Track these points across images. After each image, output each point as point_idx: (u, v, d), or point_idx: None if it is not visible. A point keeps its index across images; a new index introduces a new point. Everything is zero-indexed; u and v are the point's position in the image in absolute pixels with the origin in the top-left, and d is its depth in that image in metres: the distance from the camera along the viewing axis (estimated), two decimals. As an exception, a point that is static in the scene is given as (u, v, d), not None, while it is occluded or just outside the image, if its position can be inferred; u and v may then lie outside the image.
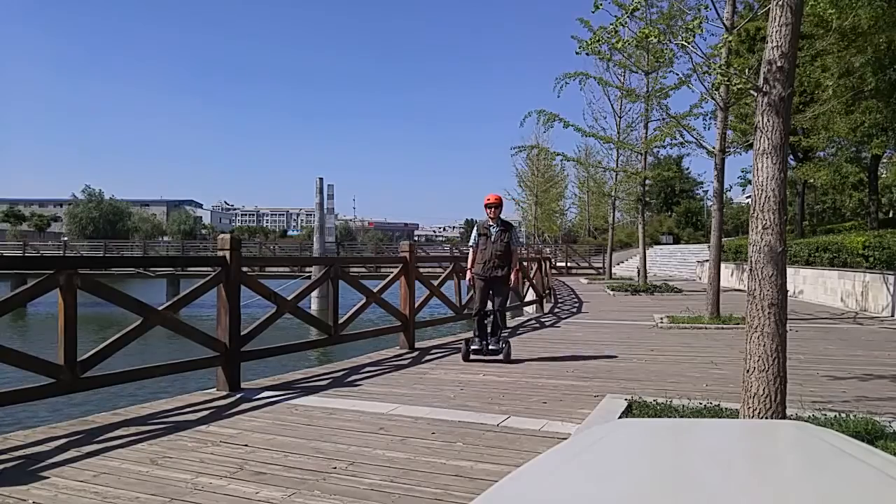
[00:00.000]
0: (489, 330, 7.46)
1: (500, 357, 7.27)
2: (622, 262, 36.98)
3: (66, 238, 64.18)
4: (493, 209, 7.43)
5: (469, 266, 7.60)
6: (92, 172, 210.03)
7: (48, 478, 3.47)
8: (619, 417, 4.47)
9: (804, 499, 1.18)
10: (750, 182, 4.52)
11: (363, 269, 28.55)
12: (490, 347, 7.36)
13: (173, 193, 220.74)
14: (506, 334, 7.75)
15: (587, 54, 6.51)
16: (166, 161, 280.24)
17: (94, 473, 3.54)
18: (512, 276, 7.47)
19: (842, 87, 15.94)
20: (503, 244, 7.32)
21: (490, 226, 7.43)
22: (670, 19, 12.18)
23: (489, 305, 7.50)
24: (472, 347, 7.41)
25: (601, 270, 30.54)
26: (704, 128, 13.29)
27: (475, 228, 7.65)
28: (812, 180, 25.07)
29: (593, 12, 5.98)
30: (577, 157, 30.48)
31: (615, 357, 7.77)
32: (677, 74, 13.19)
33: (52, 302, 5.17)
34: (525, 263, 14.51)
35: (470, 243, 7.66)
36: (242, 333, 5.91)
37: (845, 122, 19.36)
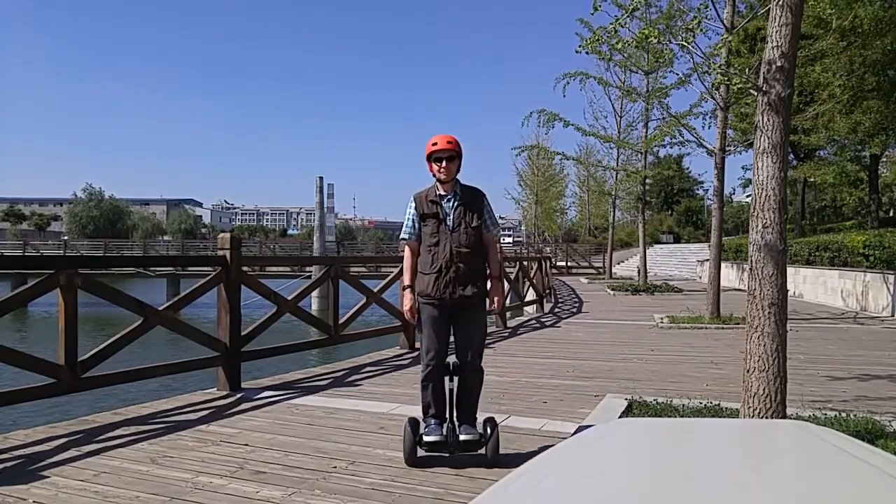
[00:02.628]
0: (455, 401, 3.73)
1: (484, 453, 3.61)
2: (622, 262, 36.97)
3: (66, 237, 64.20)
4: (443, 162, 3.74)
5: (407, 280, 3.83)
6: (92, 171, 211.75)
7: (48, 477, 3.47)
8: (620, 417, 4.47)
9: (804, 498, 1.18)
10: (750, 181, 4.52)
11: (363, 269, 28.50)
12: (462, 438, 3.64)
13: (173, 193, 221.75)
14: (482, 417, 3.79)
15: (587, 53, 6.52)
16: (166, 161, 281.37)
17: (94, 473, 3.54)
18: (496, 301, 3.94)
19: (842, 87, 15.96)
20: (471, 231, 3.73)
21: (442, 196, 3.79)
22: (670, 19, 12.18)
23: (457, 350, 3.77)
24: (427, 438, 3.65)
25: (601, 270, 30.53)
26: (704, 127, 13.25)
27: (412, 205, 3.84)
28: (812, 179, 25.09)
29: (592, 14, 5.99)
30: (577, 156, 30.52)
31: (615, 357, 7.77)
32: (677, 74, 13.20)
33: (52, 302, 5.17)
34: (525, 263, 13.85)
35: (404, 235, 3.88)
36: (243, 333, 5.91)
37: (845, 121, 19.38)
